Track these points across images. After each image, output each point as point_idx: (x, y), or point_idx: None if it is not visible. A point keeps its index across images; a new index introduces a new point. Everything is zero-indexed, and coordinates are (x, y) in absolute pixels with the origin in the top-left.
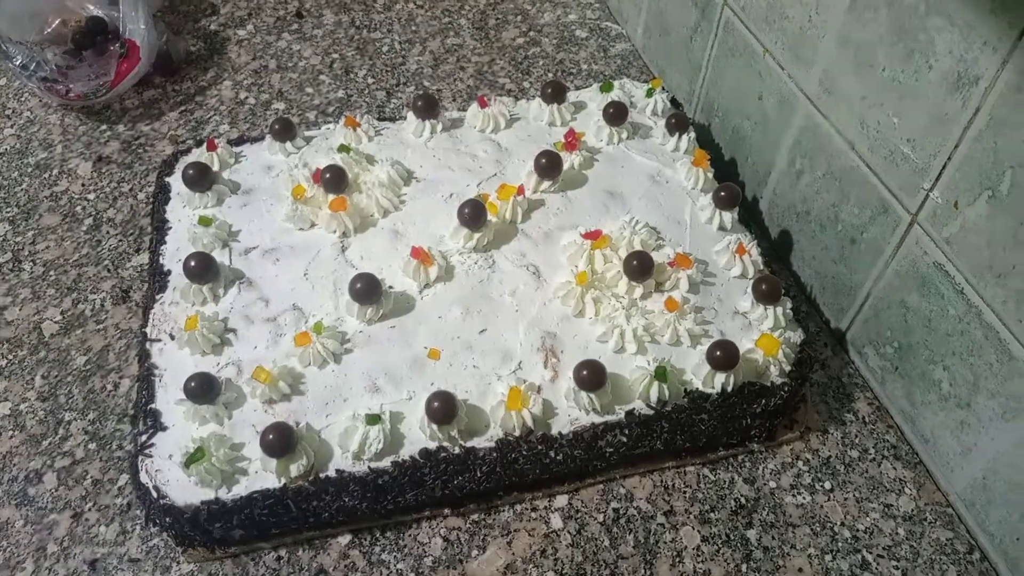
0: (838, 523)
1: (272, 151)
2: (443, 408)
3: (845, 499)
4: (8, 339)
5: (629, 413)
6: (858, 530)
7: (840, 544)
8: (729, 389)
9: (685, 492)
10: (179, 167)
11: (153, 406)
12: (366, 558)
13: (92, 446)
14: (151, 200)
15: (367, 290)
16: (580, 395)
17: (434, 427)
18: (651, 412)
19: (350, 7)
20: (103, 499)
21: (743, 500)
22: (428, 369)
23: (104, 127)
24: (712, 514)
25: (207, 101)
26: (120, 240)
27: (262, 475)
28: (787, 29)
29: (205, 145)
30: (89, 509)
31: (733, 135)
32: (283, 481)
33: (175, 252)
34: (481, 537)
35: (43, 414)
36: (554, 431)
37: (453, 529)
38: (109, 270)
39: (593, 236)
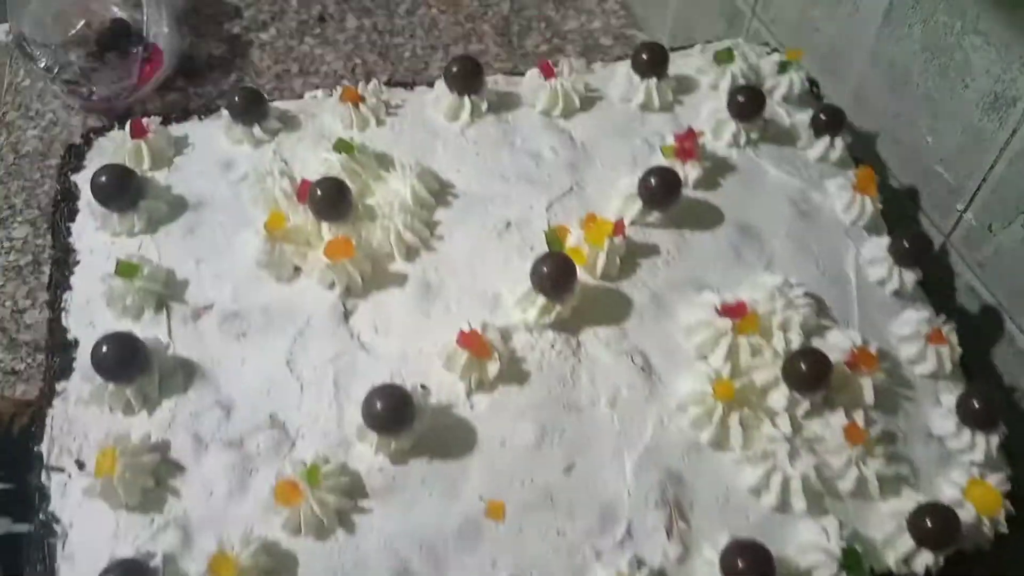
0: None
1: (232, 137)
2: None
3: None
4: (27, 342)
5: None
6: None
7: None
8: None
9: None
10: (90, 160)
11: None
12: None
13: None
14: (52, 211)
15: (393, 413)
16: None
17: None
18: None
19: (373, 12)
20: None
21: None
22: (487, 537)
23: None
24: None
25: None
26: None
27: None
28: (818, 43)
29: (128, 128)
30: None
31: None
32: None
33: (84, 307)
34: None
35: None
36: None
37: None
38: None
39: (734, 312)
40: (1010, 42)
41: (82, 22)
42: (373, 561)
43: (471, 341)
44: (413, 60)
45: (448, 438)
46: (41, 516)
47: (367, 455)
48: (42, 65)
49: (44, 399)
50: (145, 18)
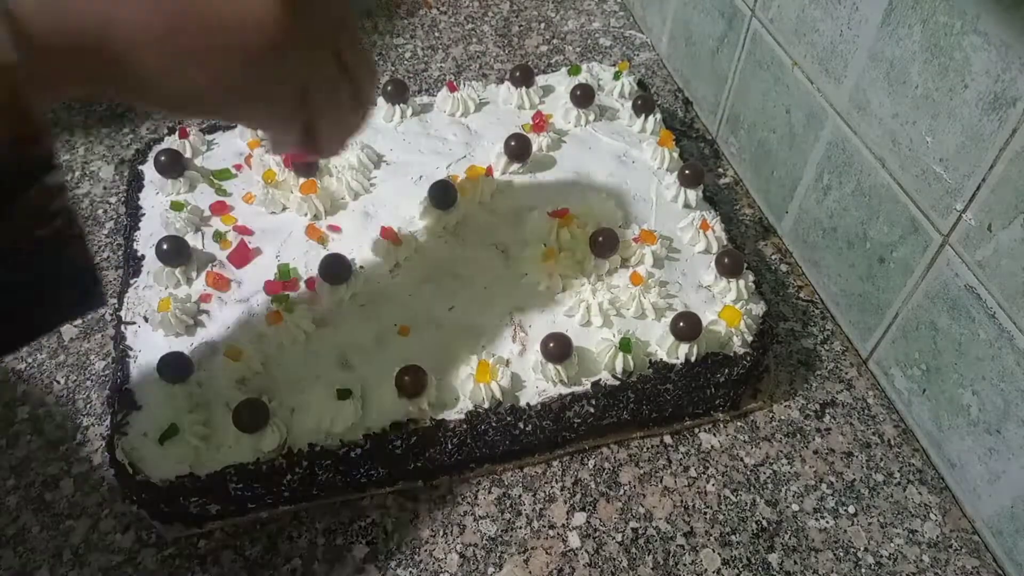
0: (861, 548)
1: (243, 138)
2: (413, 381)
3: (869, 524)
4: None
5: (595, 384)
6: (882, 556)
7: (863, 570)
8: (692, 359)
9: (705, 513)
10: (151, 155)
11: (128, 386)
12: (381, 572)
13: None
14: (125, 188)
15: (336, 270)
16: (547, 367)
17: (404, 400)
18: (617, 382)
19: (373, 12)
20: (119, 506)
21: (765, 523)
22: (398, 345)
23: (126, 130)
24: (733, 536)
25: None
26: None
27: (236, 450)
28: (817, 43)
29: (177, 133)
30: (105, 516)
31: (759, 148)
32: (256, 456)
33: (148, 238)
34: (498, 554)
35: (61, 419)
36: (522, 402)
37: (469, 545)
38: None
39: (559, 214)
40: (1010, 42)
41: None
42: (324, 356)
43: (389, 233)
44: (414, 61)
45: (375, 293)
46: (120, 347)
47: (324, 302)
48: None
49: (122, 288)
50: None
